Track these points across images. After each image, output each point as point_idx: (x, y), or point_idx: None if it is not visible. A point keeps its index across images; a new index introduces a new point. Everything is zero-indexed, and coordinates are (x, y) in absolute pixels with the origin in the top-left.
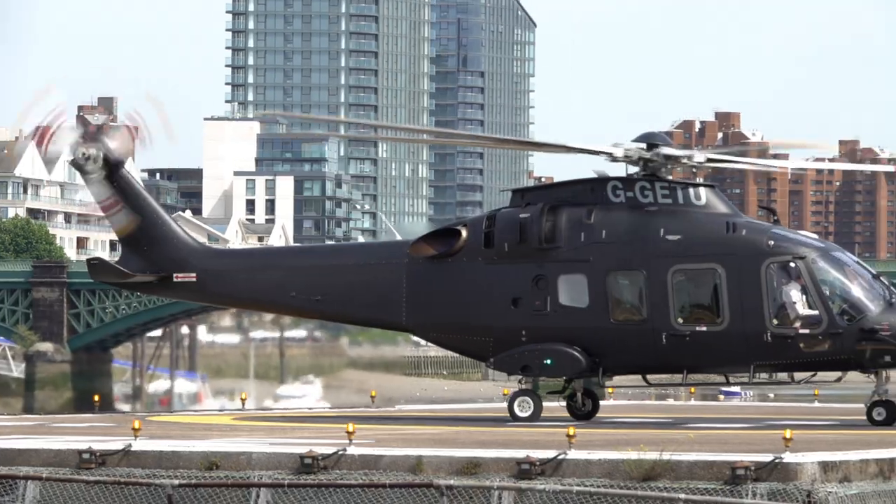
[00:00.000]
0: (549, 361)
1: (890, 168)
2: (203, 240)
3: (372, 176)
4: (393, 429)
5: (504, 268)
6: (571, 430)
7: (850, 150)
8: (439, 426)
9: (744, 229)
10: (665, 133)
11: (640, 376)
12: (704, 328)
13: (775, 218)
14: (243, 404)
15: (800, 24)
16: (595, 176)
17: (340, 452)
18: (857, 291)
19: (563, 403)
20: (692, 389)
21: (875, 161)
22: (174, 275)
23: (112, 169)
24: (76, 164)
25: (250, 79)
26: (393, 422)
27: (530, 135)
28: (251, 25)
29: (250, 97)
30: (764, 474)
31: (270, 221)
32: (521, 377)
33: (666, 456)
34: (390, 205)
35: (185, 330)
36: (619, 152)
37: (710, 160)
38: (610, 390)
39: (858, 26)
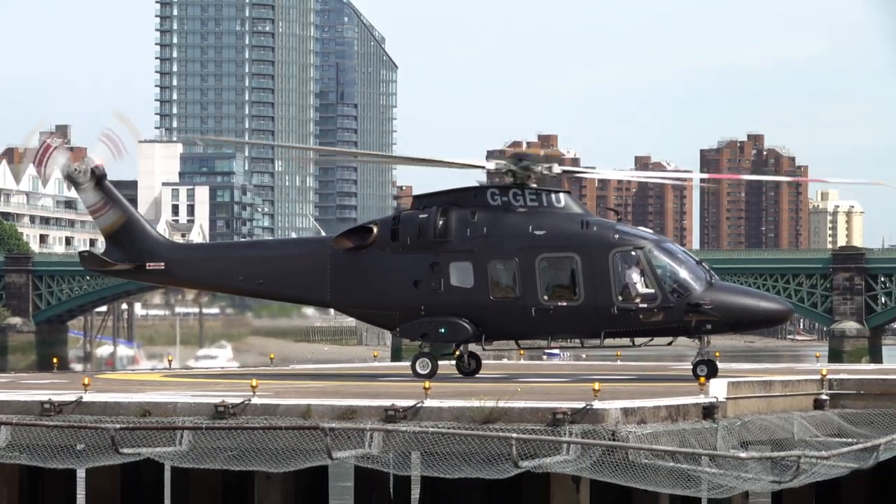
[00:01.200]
0: (443, 330)
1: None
2: None
3: (270, 185)
4: (288, 384)
5: (407, 257)
6: (427, 384)
7: (643, 165)
8: (324, 381)
9: (595, 226)
10: (500, 150)
11: (513, 342)
12: (564, 303)
13: (619, 217)
14: (170, 365)
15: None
16: (477, 185)
17: (246, 402)
18: (684, 274)
19: (454, 363)
20: (521, 352)
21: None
22: (147, 263)
23: (98, 179)
24: (70, 178)
25: (174, 110)
26: (288, 378)
27: (393, 153)
28: (175, 69)
29: (175, 124)
30: (578, 418)
31: (191, 222)
32: (420, 342)
33: (501, 404)
34: (284, 209)
35: (124, 306)
36: (491, 166)
37: (564, 171)
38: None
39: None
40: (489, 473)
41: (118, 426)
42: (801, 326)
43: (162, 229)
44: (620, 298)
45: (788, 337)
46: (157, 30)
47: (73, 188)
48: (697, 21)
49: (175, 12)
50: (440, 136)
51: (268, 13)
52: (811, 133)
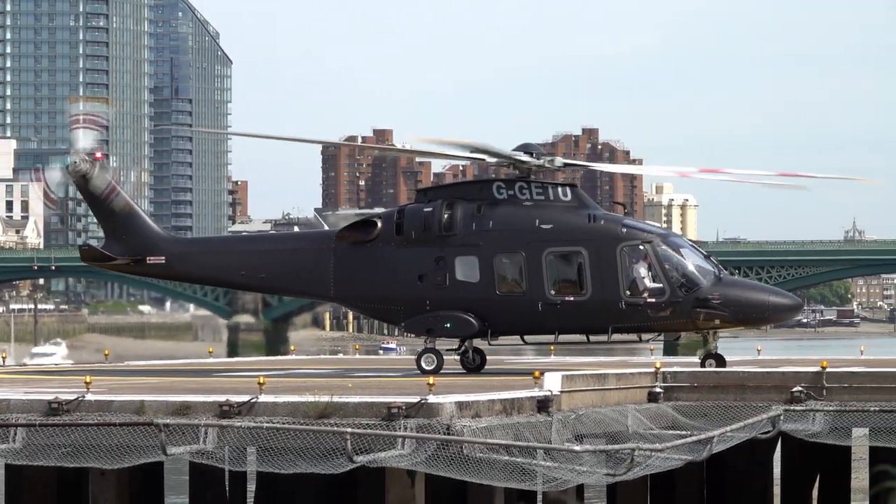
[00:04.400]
0: (448, 325)
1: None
2: None
3: None
4: (122, 380)
5: (412, 251)
6: (262, 379)
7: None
8: (159, 377)
9: (602, 220)
10: (335, 145)
11: (518, 336)
12: (572, 298)
13: (626, 211)
14: (3, 362)
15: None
16: (483, 177)
17: (80, 398)
18: (692, 268)
19: (458, 358)
20: (357, 346)
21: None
22: (147, 258)
23: (85, 181)
24: (78, 175)
25: (8, 105)
26: (122, 374)
27: (228, 148)
28: (8, 64)
29: (8, 120)
30: (413, 412)
31: (25, 218)
32: (425, 337)
33: (336, 398)
34: None
35: None
36: (493, 160)
37: (566, 164)
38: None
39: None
40: (325, 468)
41: None
42: None
43: None
44: (628, 293)
45: None
46: None
47: (85, 187)
48: (528, 15)
49: (8, 7)
50: (275, 131)
51: (101, 8)
52: (644, 126)
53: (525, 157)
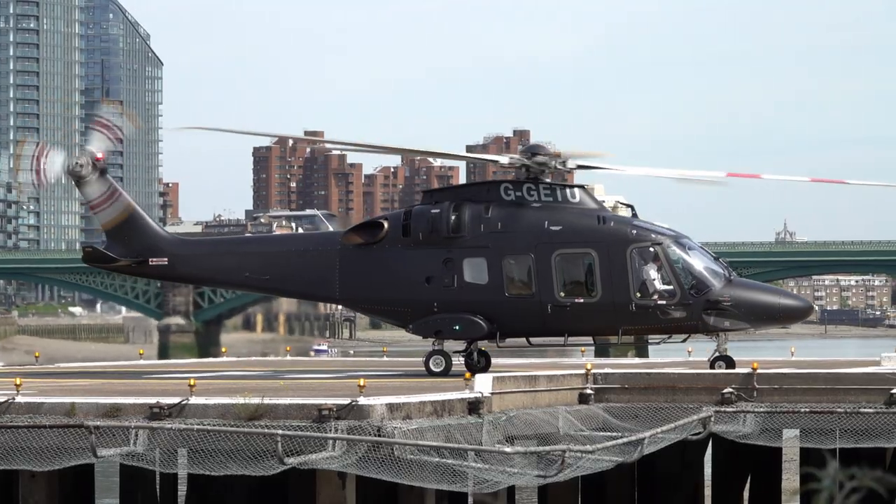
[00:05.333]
0: (457, 327)
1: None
2: None
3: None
4: (53, 382)
5: (419, 252)
6: (192, 381)
7: (410, 161)
8: (89, 379)
9: (612, 221)
10: (266, 147)
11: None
12: (581, 300)
13: (634, 213)
14: None
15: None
16: (493, 179)
17: (10, 401)
18: (703, 270)
19: (462, 360)
20: (288, 348)
21: (430, 168)
22: (150, 259)
23: (101, 171)
24: (73, 172)
25: None
26: (53, 376)
27: (159, 149)
28: None
29: None
30: (344, 413)
31: None
32: (433, 340)
33: (267, 400)
34: (50, 206)
35: None
36: (505, 160)
37: (578, 166)
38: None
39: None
40: (255, 470)
41: None
42: None
43: None
44: (639, 295)
45: None
46: None
47: (77, 185)
48: (459, 16)
49: None
50: (207, 133)
51: (32, 10)
52: (575, 127)
53: (541, 159)
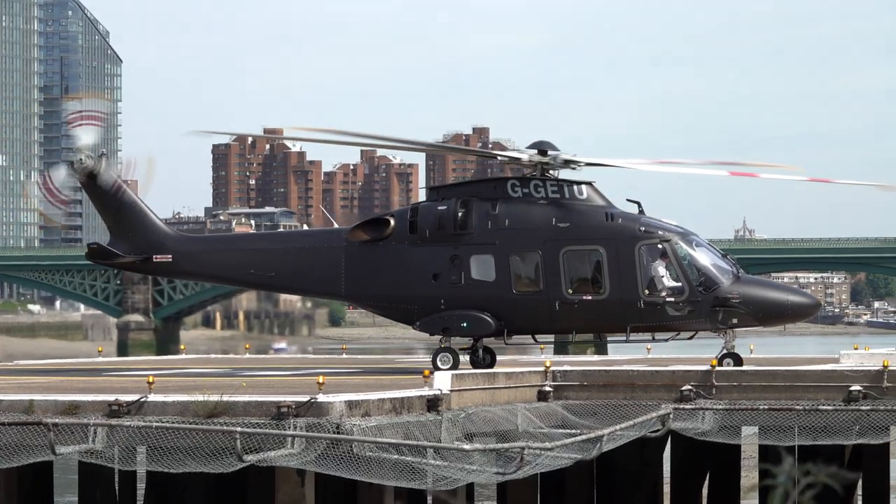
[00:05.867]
0: (465, 324)
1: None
2: None
3: None
4: (11, 379)
5: (426, 249)
6: (151, 379)
7: (369, 158)
8: (48, 377)
9: (620, 218)
10: (225, 144)
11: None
12: (590, 297)
13: (641, 209)
14: None
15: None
16: (500, 176)
17: None
18: (711, 267)
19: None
20: (247, 345)
21: (389, 165)
22: (154, 256)
23: (90, 179)
24: (84, 173)
25: None
26: (11, 374)
27: (119, 147)
28: None
29: None
30: (303, 411)
31: None
32: (440, 337)
33: (226, 398)
34: (9, 203)
35: None
36: (525, 157)
37: (588, 164)
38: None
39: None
40: (214, 468)
41: None
42: None
43: None
44: (647, 292)
45: None
46: None
47: (89, 185)
48: (417, 13)
49: None
50: (167, 130)
51: None
52: (534, 124)
53: (553, 154)
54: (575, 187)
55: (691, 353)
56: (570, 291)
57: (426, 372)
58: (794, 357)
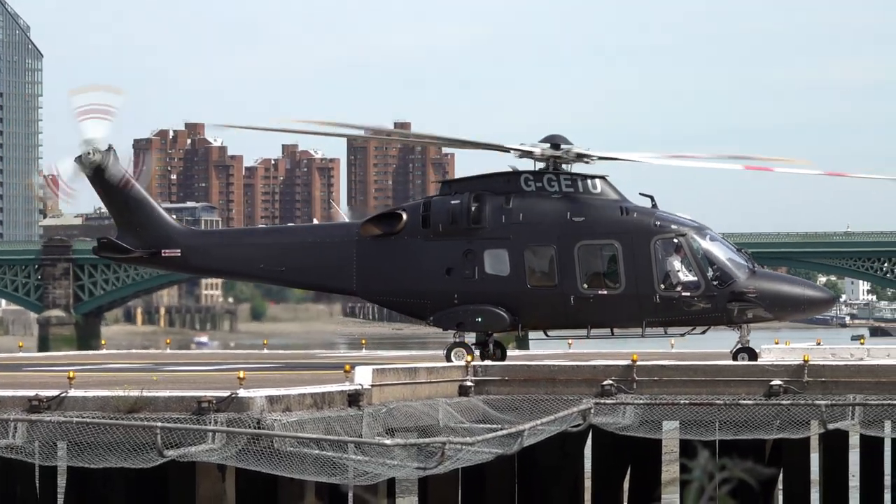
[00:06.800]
0: (479, 319)
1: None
2: None
3: None
4: None
5: (439, 244)
6: (72, 374)
7: (290, 153)
8: None
9: (635, 212)
10: (147, 139)
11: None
12: (605, 292)
13: (654, 203)
14: None
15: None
16: (510, 170)
17: None
18: (727, 262)
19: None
20: (168, 340)
21: (311, 160)
22: (162, 251)
23: (96, 174)
24: (93, 167)
25: None
26: None
27: (39, 142)
28: None
29: None
30: (223, 406)
31: None
32: (454, 332)
33: (146, 393)
34: None
35: None
36: (538, 150)
37: (600, 158)
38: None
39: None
40: (135, 463)
41: None
42: None
43: None
44: (662, 287)
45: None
46: None
47: (96, 178)
48: (334, 9)
49: None
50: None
51: None
52: (454, 119)
53: (566, 147)
54: (589, 181)
55: (614, 347)
56: (586, 286)
57: (347, 367)
58: (715, 352)
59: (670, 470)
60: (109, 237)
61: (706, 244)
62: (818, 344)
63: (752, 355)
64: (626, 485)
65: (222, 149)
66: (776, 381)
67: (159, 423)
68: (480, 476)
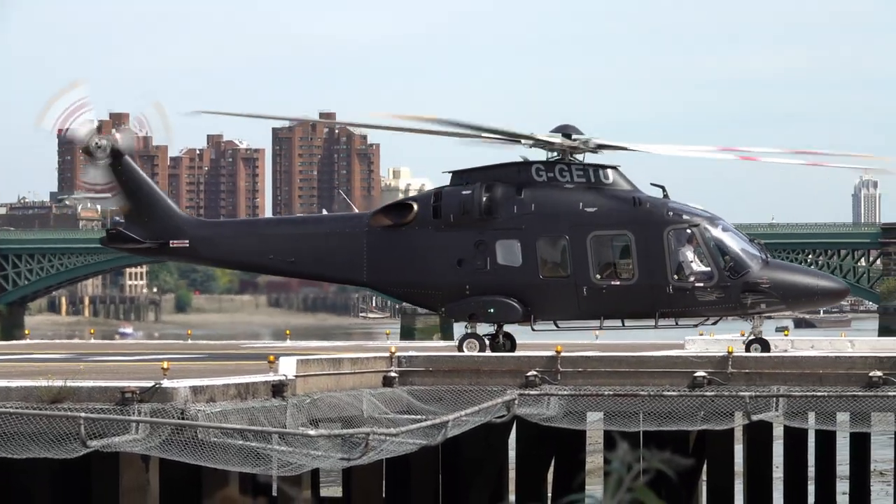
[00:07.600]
0: (492, 310)
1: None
2: None
3: None
4: None
5: (450, 234)
6: None
7: (215, 143)
8: None
9: (647, 203)
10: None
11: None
12: (618, 283)
13: (665, 193)
14: None
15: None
16: (521, 160)
17: None
18: (740, 252)
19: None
20: (92, 330)
21: (236, 150)
22: (170, 241)
23: (115, 158)
24: (87, 150)
25: None
26: None
27: None
28: None
29: None
30: (147, 396)
31: None
32: (466, 323)
33: (70, 383)
34: None
35: None
36: (543, 139)
37: (600, 146)
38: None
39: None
40: (58, 453)
41: None
42: (374, 304)
43: None
44: (676, 277)
45: (361, 315)
46: None
47: (87, 160)
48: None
49: None
50: (6, 115)
51: None
52: (382, 110)
53: (576, 136)
54: (601, 171)
55: (539, 338)
56: (598, 277)
57: (271, 358)
58: (639, 343)
59: (594, 461)
60: (119, 228)
61: (719, 234)
62: (742, 335)
63: (765, 346)
64: (550, 476)
65: (147, 139)
66: (700, 373)
67: (83, 414)
68: (405, 467)
